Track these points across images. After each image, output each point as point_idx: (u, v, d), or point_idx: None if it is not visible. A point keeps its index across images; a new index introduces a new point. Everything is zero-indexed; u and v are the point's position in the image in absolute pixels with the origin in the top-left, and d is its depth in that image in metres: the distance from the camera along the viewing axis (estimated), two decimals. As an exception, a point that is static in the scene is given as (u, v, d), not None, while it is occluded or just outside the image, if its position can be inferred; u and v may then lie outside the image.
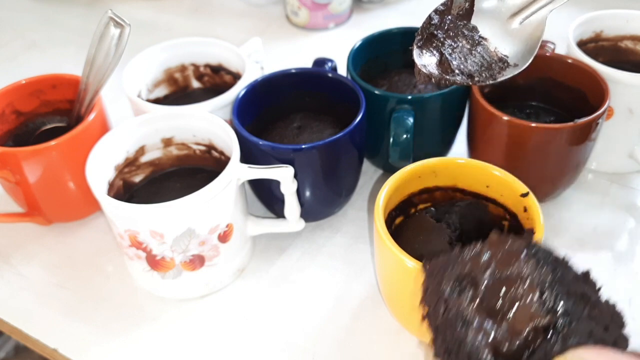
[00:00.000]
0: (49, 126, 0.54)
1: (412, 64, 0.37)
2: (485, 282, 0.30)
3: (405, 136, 0.47)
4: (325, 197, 0.50)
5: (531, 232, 0.39)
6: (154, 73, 0.56)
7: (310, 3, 0.76)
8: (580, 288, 0.31)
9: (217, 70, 0.57)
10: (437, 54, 0.35)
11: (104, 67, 0.47)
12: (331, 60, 0.54)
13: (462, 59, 0.35)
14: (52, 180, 0.48)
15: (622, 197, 0.54)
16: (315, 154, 0.45)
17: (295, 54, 0.74)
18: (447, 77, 0.35)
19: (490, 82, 0.35)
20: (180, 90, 0.59)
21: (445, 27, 0.35)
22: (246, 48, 0.57)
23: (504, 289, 0.30)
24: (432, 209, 0.46)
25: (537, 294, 0.29)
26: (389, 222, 0.43)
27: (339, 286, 0.48)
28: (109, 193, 0.46)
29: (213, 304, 0.47)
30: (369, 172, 0.57)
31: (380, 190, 0.41)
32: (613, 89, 0.48)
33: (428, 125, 0.51)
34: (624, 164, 0.55)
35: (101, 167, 0.45)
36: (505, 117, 0.46)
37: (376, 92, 0.49)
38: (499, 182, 0.42)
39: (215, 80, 0.58)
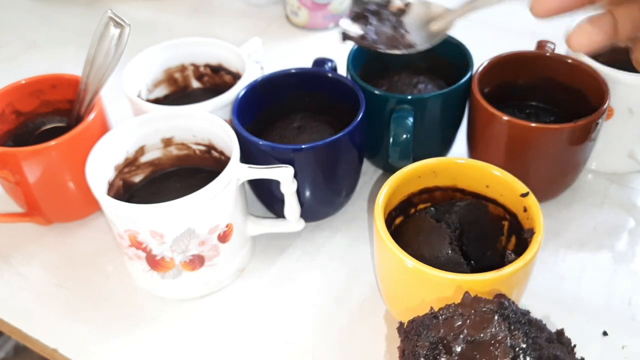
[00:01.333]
0: (49, 126, 0.54)
1: (365, 44, 0.47)
2: (459, 347, 0.30)
3: (405, 136, 0.47)
4: (325, 197, 0.50)
5: (531, 232, 0.39)
6: (153, 73, 0.56)
7: (310, 3, 0.76)
8: (553, 350, 0.31)
9: (217, 70, 0.57)
10: (362, 28, 0.46)
11: (104, 67, 0.47)
12: (331, 60, 0.54)
13: (379, 37, 0.45)
14: (52, 180, 0.48)
15: (622, 197, 0.54)
16: (315, 154, 0.45)
17: (295, 54, 0.74)
18: (361, 41, 0.46)
19: (389, 51, 0.45)
20: (180, 90, 0.59)
21: (379, 16, 0.47)
22: (246, 48, 0.57)
23: (477, 354, 0.30)
24: (432, 209, 0.46)
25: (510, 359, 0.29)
26: (389, 222, 0.43)
27: (339, 286, 0.48)
28: (108, 193, 0.46)
29: (213, 304, 0.47)
30: (369, 172, 0.57)
31: (380, 190, 0.41)
32: (613, 89, 0.48)
33: (428, 125, 0.51)
34: (624, 164, 0.55)
35: (101, 167, 0.45)
36: (505, 117, 0.46)
37: (376, 92, 0.49)
38: (498, 182, 0.42)
39: (215, 80, 0.58)
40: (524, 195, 0.40)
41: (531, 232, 0.39)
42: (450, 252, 0.41)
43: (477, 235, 0.45)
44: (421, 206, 0.46)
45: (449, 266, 0.40)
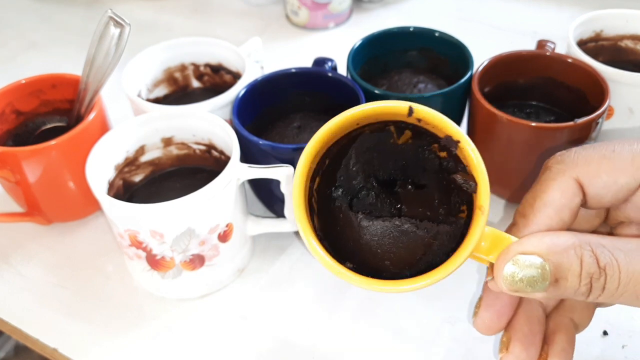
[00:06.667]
0: (48, 126, 0.54)
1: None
2: None
3: (405, 136, 0.47)
4: (325, 197, 0.50)
5: (451, 140, 0.31)
6: (153, 73, 0.56)
7: (310, 3, 0.76)
8: None
9: (217, 70, 0.57)
10: None
11: (104, 67, 0.47)
12: (331, 60, 0.54)
13: None
14: (52, 180, 0.48)
15: (622, 196, 0.54)
16: (315, 154, 0.45)
17: (295, 53, 0.74)
18: None
19: None
20: (180, 90, 0.59)
21: None
22: (246, 48, 0.57)
23: None
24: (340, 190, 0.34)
25: None
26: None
27: (338, 286, 0.48)
28: (109, 193, 0.46)
29: (213, 304, 0.47)
30: (369, 172, 0.57)
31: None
32: (613, 89, 0.48)
33: (428, 125, 0.50)
34: (624, 164, 0.55)
35: (101, 166, 0.45)
36: (506, 117, 0.46)
37: (376, 92, 0.49)
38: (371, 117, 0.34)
39: (215, 80, 0.58)
40: (410, 113, 0.33)
41: (450, 140, 0.31)
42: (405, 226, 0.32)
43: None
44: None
45: (408, 244, 0.32)
